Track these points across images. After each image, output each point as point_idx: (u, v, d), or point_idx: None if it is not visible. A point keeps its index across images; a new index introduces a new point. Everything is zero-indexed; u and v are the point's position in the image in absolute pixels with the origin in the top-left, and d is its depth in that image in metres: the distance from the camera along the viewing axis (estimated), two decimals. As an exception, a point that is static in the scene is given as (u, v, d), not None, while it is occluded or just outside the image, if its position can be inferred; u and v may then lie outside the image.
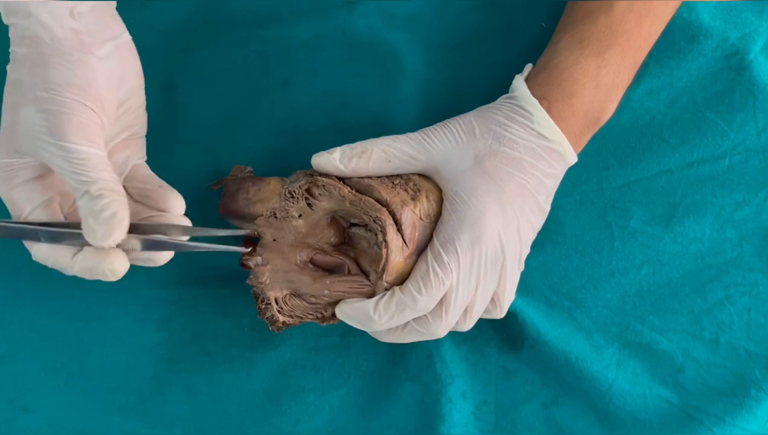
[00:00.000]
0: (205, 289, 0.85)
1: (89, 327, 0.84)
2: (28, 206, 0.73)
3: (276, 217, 0.77)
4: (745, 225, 0.86)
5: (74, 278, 0.79)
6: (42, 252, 0.71)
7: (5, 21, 0.72)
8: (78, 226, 0.69)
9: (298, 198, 0.76)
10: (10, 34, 0.72)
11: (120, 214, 0.68)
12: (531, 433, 0.83)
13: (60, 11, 0.71)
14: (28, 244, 0.72)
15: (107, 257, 0.70)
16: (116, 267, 0.70)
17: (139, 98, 0.78)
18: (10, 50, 0.72)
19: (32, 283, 0.85)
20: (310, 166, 0.77)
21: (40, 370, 0.84)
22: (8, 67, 0.72)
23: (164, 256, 0.73)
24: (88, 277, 0.71)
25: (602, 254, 0.86)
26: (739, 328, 0.84)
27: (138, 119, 0.78)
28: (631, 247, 0.86)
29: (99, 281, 0.77)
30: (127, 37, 0.75)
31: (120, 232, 0.68)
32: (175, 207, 0.76)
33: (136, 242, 0.71)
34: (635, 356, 0.84)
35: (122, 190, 0.69)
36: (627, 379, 0.83)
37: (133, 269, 0.78)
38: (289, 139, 0.87)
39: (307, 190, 0.76)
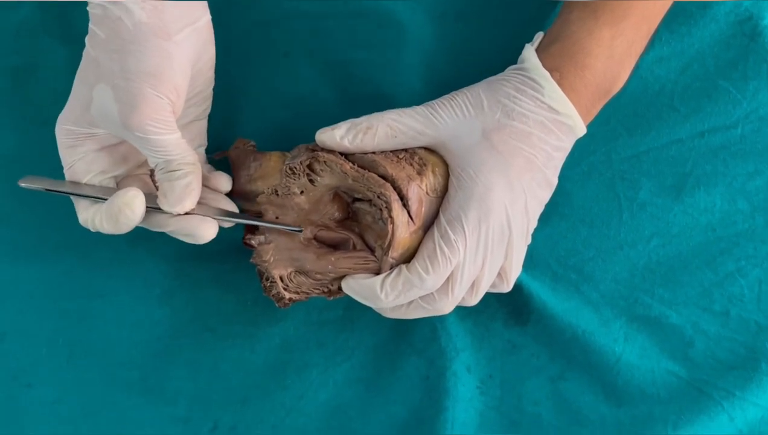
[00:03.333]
0: (208, 264, 0.86)
1: (91, 304, 0.85)
2: (84, 177, 0.76)
3: (278, 195, 0.77)
4: (757, 196, 0.86)
5: (74, 254, 0.86)
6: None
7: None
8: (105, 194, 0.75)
9: (299, 174, 0.76)
10: (90, 11, 0.73)
11: (193, 185, 0.74)
12: (537, 407, 0.83)
13: None
14: (80, 202, 0.76)
15: (194, 222, 0.75)
16: (205, 232, 0.75)
17: (210, 84, 0.80)
18: (90, 26, 0.73)
19: (33, 260, 0.86)
20: (314, 139, 0.77)
21: (42, 347, 0.85)
22: (87, 40, 0.74)
23: (207, 234, 0.75)
24: (182, 238, 0.76)
25: (610, 226, 0.86)
26: (750, 301, 0.84)
27: (205, 103, 0.81)
28: (640, 219, 0.86)
29: (102, 257, 0.85)
30: (206, 19, 0.77)
31: (191, 201, 0.74)
32: (225, 185, 0.80)
33: (203, 210, 0.76)
34: (643, 330, 0.84)
35: (197, 163, 0.75)
36: (635, 353, 0.83)
37: (134, 244, 0.86)
38: (292, 111, 0.87)
39: (309, 166, 0.76)
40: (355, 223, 0.78)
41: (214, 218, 0.76)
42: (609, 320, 0.84)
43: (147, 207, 0.73)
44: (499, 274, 0.77)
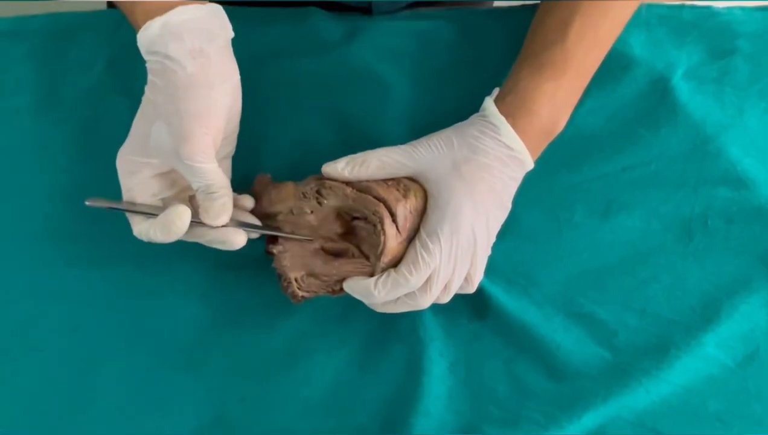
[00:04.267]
0: (237, 270, 0.87)
1: (145, 302, 0.87)
2: (139, 198, 0.77)
3: (293, 214, 0.80)
4: (667, 217, 0.88)
5: (131, 263, 0.87)
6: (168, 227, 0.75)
7: (145, 57, 0.76)
8: (155, 211, 0.76)
9: (309, 198, 0.79)
10: (149, 66, 0.76)
11: (228, 204, 0.75)
12: (494, 383, 0.84)
13: (193, 52, 0.74)
14: (136, 219, 0.77)
15: (229, 232, 0.77)
16: (238, 239, 0.77)
17: (236, 130, 0.82)
18: (150, 78, 0.76)
19: (98, 267, 0.88)
20: (320, 172, 0.79)
21: (107, 337, 0.86)
22: (146, 89, 0.76)
23: (239, 241, 0.77)
24: (218, 245, 0.77)
25: (551, 242, 0.88)
26: (662, 301, 0.86)
27: (232, 145, 0.82)
28: (575, 236, 0.88)
29: (153, 265, 0.86)
30: (237, 77, 0.79)
31: (227, 216, 0.76)
32: (249, 205, 0.82)
33: (235, 224, 0.78)
34: (578, 323, 0.86)
35: (230, 188, 0.76)
36: (571, 341, 0.85)
37: (179, 256, 0.87)
38: (302, 151, 0.90)
39: (317, 191, 0.79)
40: (353, 236, 0.80)
41: (244, 229, 0.77)
42: (551, 316, 0.86)
43: (191, 221, 0.74)
44: (465, 278, 0.79)
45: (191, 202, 0.80)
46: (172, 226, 0.74)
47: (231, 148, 0.82)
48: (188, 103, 0.74)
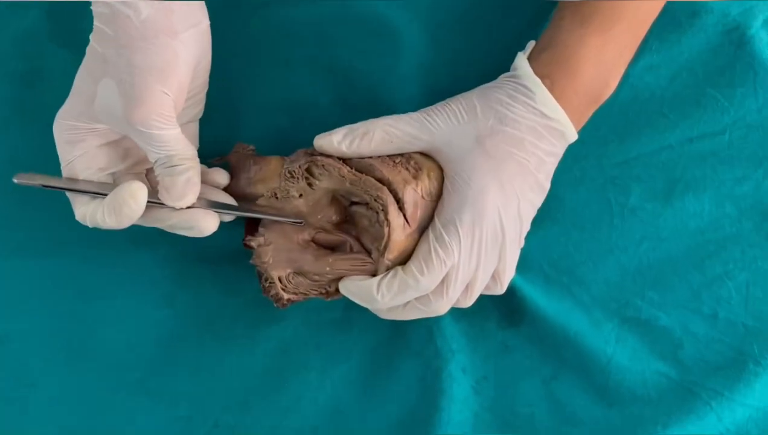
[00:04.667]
0: (209, 266, 0.86)
1: (91, 305, 0.86)
2: (83, 174, 0.77)
3: (277, 198, 0.79)
4: (744, 200, 0.87)
5: (74, 254, 0.86)
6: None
7: None
8: (103, 190, 0.75)
9: (298, 178, 0.78)
10: (95, 10, 0.74)
11: (194, 179, 0.75)
12: (530, 408, 0.84)
13: None
14: (76, 198, 0.76)
15: (197, 214, 0.76)
16: (207, 224, 0.76)
17: (204, 88, 0.81)
18: (96, 25, 0.74)
19: (31, 259, 0.87)
20: (312, 144, 0.78)
21: (44, 348, 0.85)
22: (92, 37, 0.75)
23: (209, 226, 0.76)
24: (183, 231, 0.76)
25: (601, 230, 0.87)
26: (737, 304, 0.85)
27: (199, 106, 0.81)
28: (630, 223, 0.87)
29: (102, 257, 0.86)
30: (206, 23, 0.77)
31: (193, 195, 0.75)
32: (222, 180, 0.80)
33: (204, 204, 0.77)
34: (634, 331, 0.85)
35: (197, 159, 0.76)
36: (626, 354, 0.84)
37: (136, 246, 0.86)
38: (291, 117, 0.88)
39: (307, 170, 0.78)
40: (352, 225, 0.80)
41: (216, 211, 0.77)
42: (600, 322, 0.85)
43: (148, 201, 0.73)
44: (492, 276, 0.78)
45: (148, 177, 0.80)
46: (125, 207, 0.72)
47: (198, 109, 0.81)
48: (144, 56, 0.72)
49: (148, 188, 0.74)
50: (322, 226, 0.80)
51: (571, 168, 0.86)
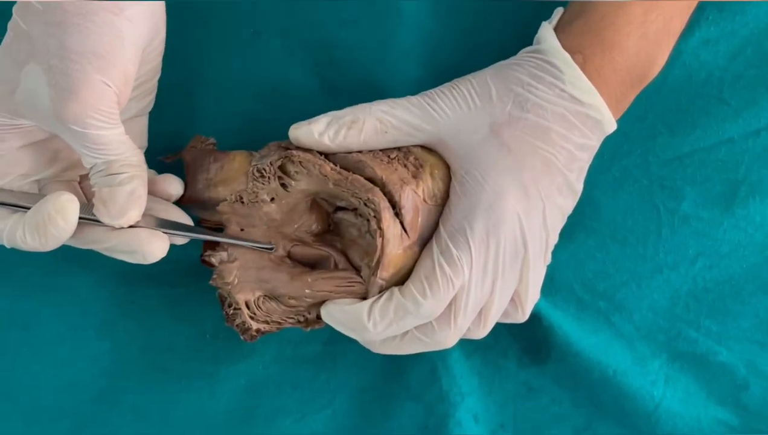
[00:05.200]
0: (157, 288, 0.85)
1: (12, 336, 0.86)
2: (0, 180, 0.76)
3: (243, 202, 0.78)
4: None
5: None
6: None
7: None
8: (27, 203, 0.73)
9: (269, 178, 0.77)
10: None
11: (139, 191, 0.73)
12: None
13: None
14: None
15: (141, 236, 0.74)
16: (154, 248, 0.74)
17: (156, 74, 0.79)
18: None
19: None
20: (287, 136, 0.77)
21: None
22: (15, 11, 0.72)
23: (156, 251, 0.74)
24: (124, 256, 0.74)
25: (647, 244, 0.86)
26: None
27: (149, 96, 0.80)
28: (682, 236, 0.86)
29: (22, 280, 0.85)
30: None
31: (137, 211, 0.73)
32: (175, 191, 0.79)
33: (151, 223, 0.75)
34: (687, 370, 0.85)
35: (144, 165, 0.74)
36: (677, 397, 0.84)
37: (68, 263, 0.85)
38: (261, 103, 0.87)
39: (281, 168, 0.76)
40: (336, 236, 0.79)
41: (165, 232, 0.75)
42: (646, 358, 0.84)
43: (80, 218, 0.72)
44: (512, 300, 0.77)
45: (82, 187, 0.79)
46: (51, 225, 0.70)
47: (147, 101, 0.80)
48: (80, 37, 0.70)
49: (81, 201, 0.72)
50: (299, 237, 0.79)
51: (610, 166, 0.85)
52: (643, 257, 0.86)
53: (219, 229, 0.78)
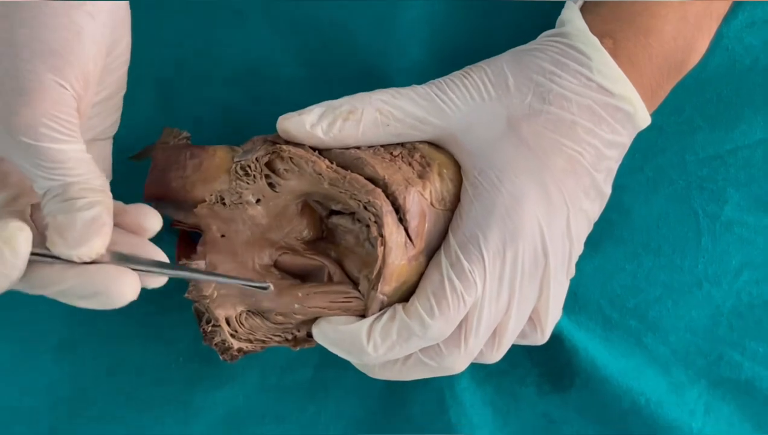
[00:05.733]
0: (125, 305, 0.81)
1: None
2: None
3: (224, 204, 0.77)
4: None
5: None
6: None
7: None
8: None
9: (255, 176, 0.76)
10: None
11: (104, 218, 0.68)
12: None
13: None
14: None
15: (107, 275, 0.69)
16: (123, 288, 0.68)
17: (122, 89, 0.78)
18: None
19: None
20: (274, 131, 0.76)
21: None
22: None
23: (126, 292, 0.70)
24: (84, 301, 0.69)
25: (685, 255, 0.87)
26: None
27: (113, 115, 0.78)
28: (725, 244, 0.87)
29: None
30: None
31: (101, 241, 0.68)
32: (151, 224, 0.75)
33: (116, 259, 0.71)
34: (731, 398, 0.85)
35: (108, 192, 0.70)
36: (720, 429, 0.84)
37: None
38: (245, 91, 0.88)
39: (268, 165, 0.76)
40: (331, 244, 0.79)
41: (136, 269, 0.70)
42: (683, 385, 0.85)
43: (32, 253, 0.67)
44: (530, 318, 0.77)
45: (33, 218, 0.74)
46: None
47: (112, 120, 0.78)
48: (30, 31, 0.68)
49: (32, 233, 0.68)
50: (288, 244, 0.79)
51: (642, 166, 0.86)
52: (679, 269, 0.86)
53: (196, 232, 0.78)
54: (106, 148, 0.79)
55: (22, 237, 0.66)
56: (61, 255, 0.68)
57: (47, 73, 0.67)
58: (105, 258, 0.69)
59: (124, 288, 0.68)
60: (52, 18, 0.68)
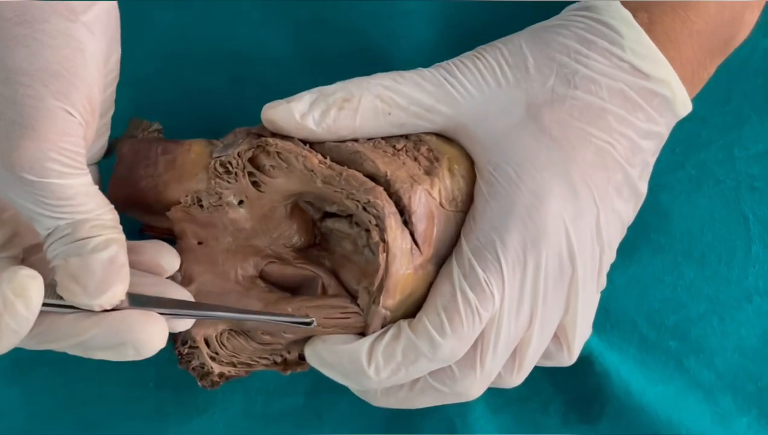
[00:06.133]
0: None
1: None
2: None
3: (202, 206, 0.77)
4: None
5: None
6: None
7: None
8: None
9: (237, 174, 0.76)
10: None
11: (121, 259, 0.68)
12: None
13: None
14: None
15: (132, 320, 0.69)
16: (153, 335, 0.69)
17: (111, 108, 0.78)
18: None
19: None
20: (259, 121, 0.76)
21: None
22: None
23: (155, 339, 0.70)
24: (107, 353, 0.70)
25: (732, 265, 0.87)
26: None
27: (102, 138, 0.79)
28: None
29: None
30: None
31: (123, 286, 0.69)
32: (168, 263, 0.76)
33: (139, 301, 0.72)
34: None
35: (119, 224, 0.70)
36: None
37: None
38: (225, 75, 0.89)
39: (252, 161, 0.76)
40: (325, 252, 0.80)
41: (163, 313, 0.71)
42: (730, 414, 0.86)
43: (43, 304, 0.67)
44: (555, 336, 0.77)
45: (27, 261, 0.75)
46: (7, 316, 0.66)
47: (99, 145, 0.79)
48: (26, 51, 0.68)
49: (42, 282, 0.68)
50: (276, 252, 0.80)
51: (683, 162, 0.87)
52: (726, 281, 0.87)
53: (169, 239, 0.77)
54: (95, 174, 0.79)
55: (35, 286, 0.66)
56: (80, 305, 0.68)
57: (51, 99, 0.67)
58: (124, 303, 0.70)
59: (152, 336, 0.69)
60: (50, 35, 0.68)
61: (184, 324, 0.73)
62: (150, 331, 0.69)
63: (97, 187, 0.69)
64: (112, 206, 0.70)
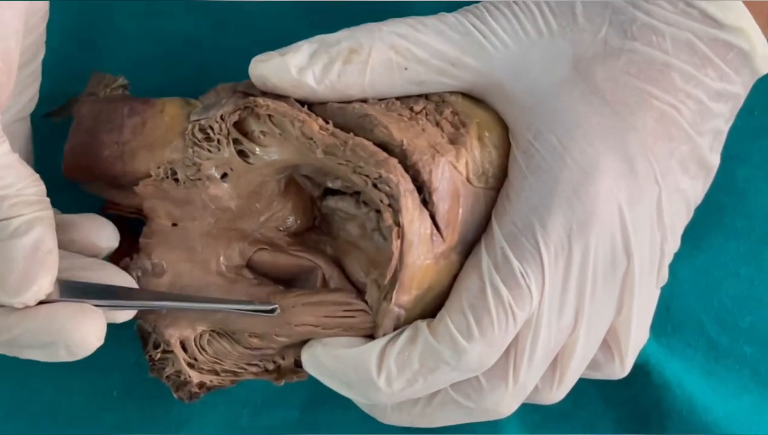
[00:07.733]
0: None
1: None
2: None
3: (177, 180, 0.78)
4: None
5: None
6: None
7: None
8: None
9: (219, 141, 0.77)
10: None
11: (47, 244, 0.69)
12: None
13: None
14: None
15: (66, 317, 0.69)
16: (87, 332, 0.69)
17: (40, 52, 0.80)
18: None
19: None
20: (246, 77, 0.76)
21: None
22: None
23: (91, 334, 0.70)
24: (36, 352, 0.71)
25: None
26: None
27: (32, 87, 0.80)
28: None
29: None
30: None
31: (49, 277, 0.69)
32: (106, 240, 0.77)
33: (71, 291, 0.72)
34: None
35: (46, 201, 0.71)
36: None
37: None
38: (205, 19, 0.92)
39: (238, 126, 0.77)
40: (326, 237, 0.81)
41: (99, 305, 0.72)
42: None
43: None
44: (604, 342, 0.78)
45: None
46: None
47: (28, 96, 0.81)
48: None
49: None
50: (266, 237, 0.81)
51: (764, 128, 0.87)
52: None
53: (137, 218, 0.77)
54: (25, 132, 0.81)
55: None
56: (2, 301, 0.69)
57: None
58: (53, 294, 0.70)
59: (86, 334, 0.69)
60: None
61: (125, 315, 0.74)
62: (84, 329, 0.69)
63: (15, 155, 0.71)
64: (38, 176, 0.72)
